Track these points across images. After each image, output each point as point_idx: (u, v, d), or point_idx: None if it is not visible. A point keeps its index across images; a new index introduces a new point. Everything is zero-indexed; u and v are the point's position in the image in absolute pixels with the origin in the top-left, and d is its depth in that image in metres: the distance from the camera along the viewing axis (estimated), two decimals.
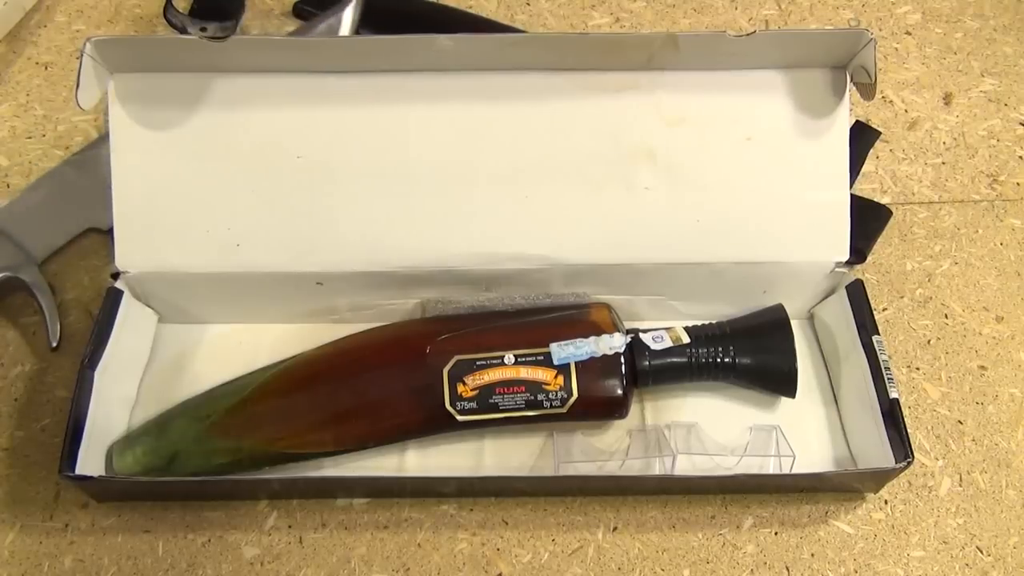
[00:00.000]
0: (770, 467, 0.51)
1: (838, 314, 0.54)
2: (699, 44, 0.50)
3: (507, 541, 0.51)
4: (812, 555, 0.50)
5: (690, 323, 0.54)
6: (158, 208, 0.52)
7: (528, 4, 0.75)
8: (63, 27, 0.73)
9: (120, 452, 0.50)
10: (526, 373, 0.49)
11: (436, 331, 0.52)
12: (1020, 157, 0.67)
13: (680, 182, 0.52)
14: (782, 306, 0.54)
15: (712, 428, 0.53)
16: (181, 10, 0.70)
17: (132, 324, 0.53)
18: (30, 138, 0.66)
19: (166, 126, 0.52)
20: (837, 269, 0.54)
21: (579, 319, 0.52)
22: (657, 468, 0.51)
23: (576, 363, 0.50)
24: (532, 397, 0.49)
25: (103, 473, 0.49)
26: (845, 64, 0.51)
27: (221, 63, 0.51)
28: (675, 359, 0.52)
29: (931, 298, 0.60)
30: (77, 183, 0.59)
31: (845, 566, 0.50)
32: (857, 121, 0.61)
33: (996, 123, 0.69)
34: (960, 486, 0.53)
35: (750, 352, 0.52)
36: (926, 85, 0.71)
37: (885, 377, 0.50)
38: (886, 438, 0.48)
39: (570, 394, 0.50)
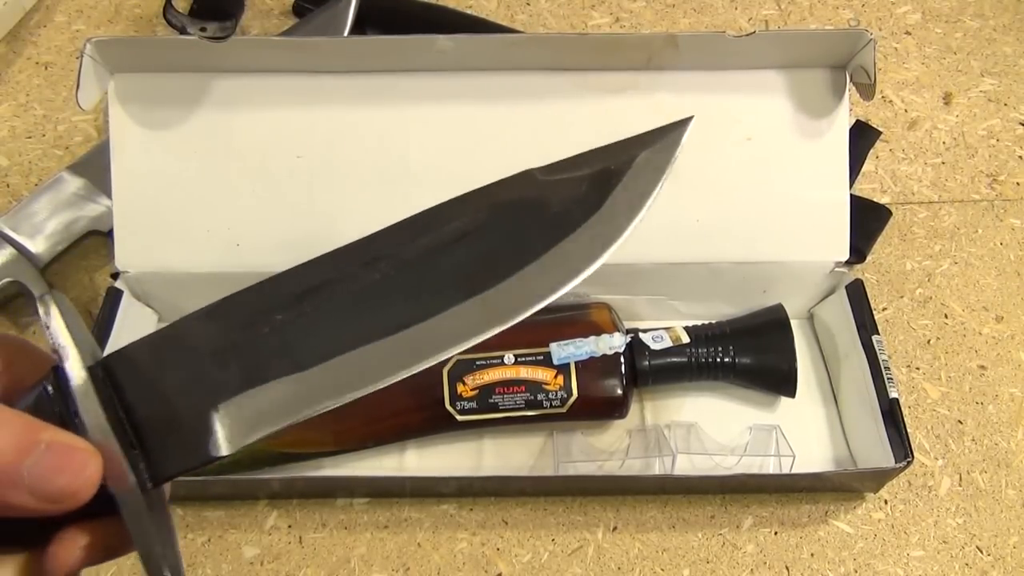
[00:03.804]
0: (770, 467, 0.51)
1: (838, 314, 0.54)
2: (699, 44, 0.50)
3: (507, 541, 0.51)
4: (812, 555, 0.50)
5: (690, 323, 0.54)
6: (158, 208, 0.52)
7: (528, 4, 0.75)
8: (63, 27, 0.73)
9: None
10: (526, 373, 0.49)
11: None
12: (1020, 157, 0.67)
13: (680, 182, 0.52)
14: (782, 306, 0.54)
15: (712, 428, 0.53)
16: (181, 10, 0.70)
17: (132, 324, 0.53)
18: (30, 138, 0.66)
19: (166, 126, 0.52)
20: (837, 269, 0.54)
21: (579, 319, 0.52)
22: (657, 468, 0.51)
23: (576, 363, 0.50)
24: (532, 397, 0.49)
25: None
26: (845, 64, 0.51)
27: (221, 63, 0.51)
28: (675, 359, 0.52)
29: (931, 298, 0.60)
30: (78, 187, 0.59)
31: (845, 566, 0.50)
32: (857, 121, 0.61)
33: (996, 123, 0.69)
34: (960, 486, 0.53)
35: (750, 352, 0.52)
36: (926, 85, 0.71)
37: (885, 377, 0.50)
38: (886, 438, 0.49)
39: (570, 394, 0.50)
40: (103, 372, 0.25)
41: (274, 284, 0.27)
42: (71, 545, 0.25)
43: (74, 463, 0.24)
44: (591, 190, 0.28)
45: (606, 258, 0.27)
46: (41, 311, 0.25)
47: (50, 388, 0.25)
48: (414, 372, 0.26)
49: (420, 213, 0.28)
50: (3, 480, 0.23)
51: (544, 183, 0.28)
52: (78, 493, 0.24)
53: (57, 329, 0.25)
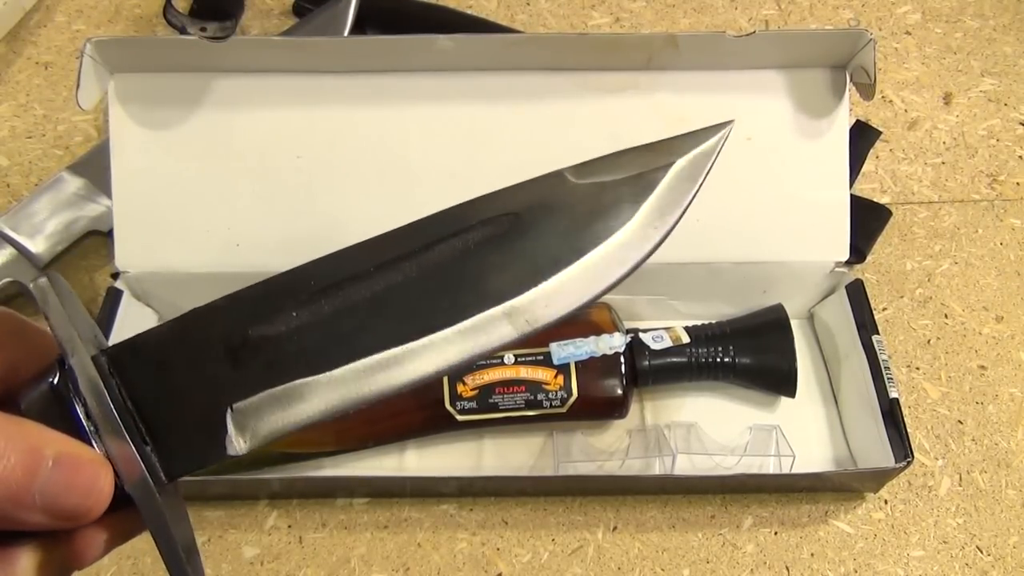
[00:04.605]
0: (770, 467, 0.51)
1: (838, 314, 0.54)
2: (699, 44, 0.50)
3: (507, 541, 0.51)
4: (812, 555, 0.50)
5: (690, 323, 0.54)
6: (158, 208, 0.52)
7: (528, 4, 0.75)
8: (63, 27, 0.73)
9: None
10: (526, 373, 0.49)
11: None
12: (1020, 157, 0.67)
13: None
14: (782, 306, 0.54)
15: (712, 428, 0.53)
16: (181, 10, 0.70)
17: (132, 324, 0.53)
18: (30, 138, 0.66)
19: (166, 126, 0.52)
20: (837, 269, 0.54)
21: (579, 319, 0.52)
22: (657, 468, 0.51)
23: (576, 363, 0.50)
24: (532, 397, 0.49)
25: None
26: (845, 64, 0.51)
27: (221, 63, 0.51)
28: (675, 359, 0.52)
29: (931, 298, 0.60)
30: (78, 187, 0.59)
31: (845, 566, 0.50)
32: (857, 121, 0.61)
33: (996, 123, 0.69)
34: (960, 486, 0.53)
35: (750, 352, 0.52)
36: (926, 85, 0.71)
37: (885, 377, 0.50)
38: (886, 438, 0.49)
39: (570, 394, 0.50)
40: (108, 363, 0.24)
41: (290, 279, 0.26)
42: (92, 541, 0.25)
43: (84, 479, 0.23)
44: (623, 199, 0.27)
45: (633, 271, 0.27)
46: (39, 299, 0.24)
47: (55, 382, 0.24)
48: (432, 378, 0.25)
49: (447, 210, 0.27)
50: (16, 503, 0.22)
51: (575, 187, 0.27)
52: (91, 510, 0.23)
53: (59, 321, 0.24)
